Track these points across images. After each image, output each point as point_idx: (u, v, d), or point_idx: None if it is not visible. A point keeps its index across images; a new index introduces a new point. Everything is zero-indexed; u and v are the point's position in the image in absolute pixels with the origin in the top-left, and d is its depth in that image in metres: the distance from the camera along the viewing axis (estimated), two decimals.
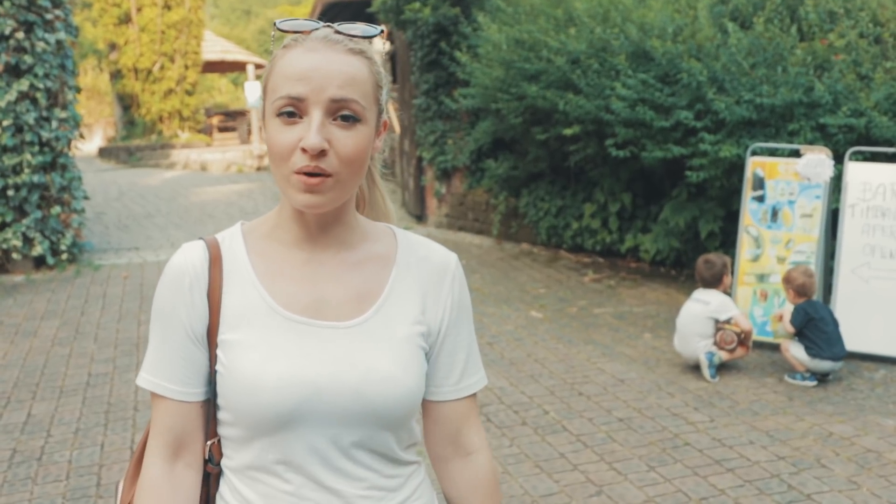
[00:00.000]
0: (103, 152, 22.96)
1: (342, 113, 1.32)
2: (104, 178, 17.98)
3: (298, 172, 1.31)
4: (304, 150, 1.30)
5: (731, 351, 5.61)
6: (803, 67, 6.73)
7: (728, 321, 5.62)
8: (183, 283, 1.40)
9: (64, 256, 9.22)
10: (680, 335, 5.80)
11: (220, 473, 1.47)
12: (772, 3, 7.19)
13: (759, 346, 6.17)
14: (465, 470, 1.56)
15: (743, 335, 5.59)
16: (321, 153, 1.30)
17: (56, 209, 9.03)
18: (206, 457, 1.45)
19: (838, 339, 5.53)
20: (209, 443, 1.45)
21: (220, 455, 1.45)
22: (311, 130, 1.29)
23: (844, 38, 6.80)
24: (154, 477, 1.40)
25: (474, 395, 1.56)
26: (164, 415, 1.41)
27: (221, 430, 1.43)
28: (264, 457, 1.38)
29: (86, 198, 9.71)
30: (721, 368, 5.76)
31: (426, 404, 1.54)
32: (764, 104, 6.61)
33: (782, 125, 6.75)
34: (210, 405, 1.44)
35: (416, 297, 1.48)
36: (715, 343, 5.63)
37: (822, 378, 5.55)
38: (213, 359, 1.40)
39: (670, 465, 4.33)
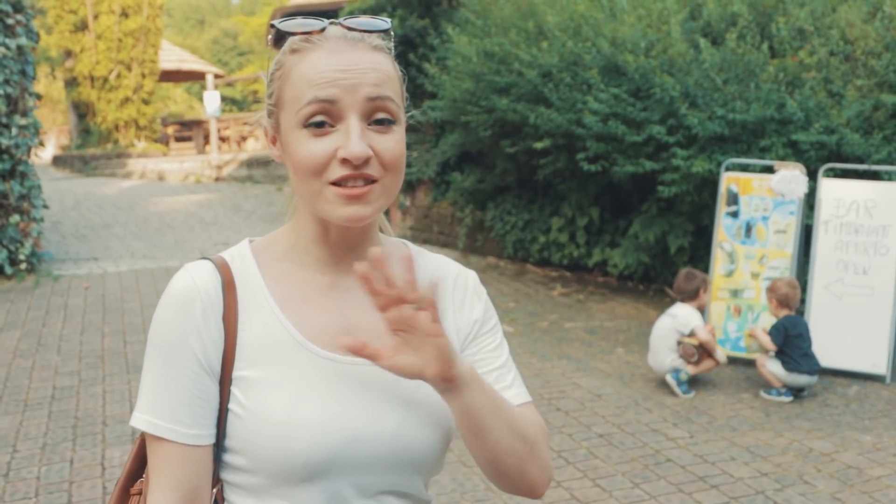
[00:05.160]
0: (57, 161, 22.59)
1: (378, 115, 1.20)
2: (59, 186, 17.65)
3: (335, 183, 1.18)
4: (343, 161, 1.17)
5: (696, 363, 5.60)
6: (775, 84, 6.79)
7: (690, 334, 5.62)
8: (193, 309, 1.21)
9: (23, 266, 8.99)
10: (652, 350, 5.79)
11: None
12: (743, 19, 7.24)
13: (734, 361, 6.18)
14: None
15: (701, 347, 5.58)
16: (364, 161, 1.18)
17: (15, 218, 8.80)
18: None
19: (813, 354, 5.55)
20: (213, 490, 1.30)
21: (223, 502, 1.31)
22: (353, 138, 1.16)
23: (815, 56, 6.86)
24: None
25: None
26: (172, 464, 1.20)
27: (229, 476, 1.26)
28: None
29: (45, 206, 9.48)
30: (696, 384, 5.76)
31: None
32: (736, 120, 6.64)
33: (754, 141, 6.79)
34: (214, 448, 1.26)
35: (444, 319, 1.34)
36: (680, 356, 5.63)
37: (796, 394, 5.57)
38: (224, 396, 1.22)
39: (654, 481, 4.30)
